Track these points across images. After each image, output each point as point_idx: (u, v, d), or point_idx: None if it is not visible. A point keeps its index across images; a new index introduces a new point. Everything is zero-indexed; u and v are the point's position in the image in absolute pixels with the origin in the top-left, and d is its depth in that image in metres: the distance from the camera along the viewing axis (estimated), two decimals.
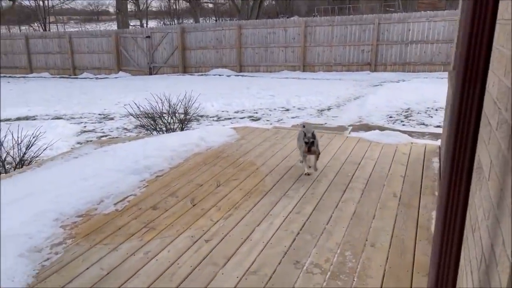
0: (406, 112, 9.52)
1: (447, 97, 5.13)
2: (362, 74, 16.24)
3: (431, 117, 8.91)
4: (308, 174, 4.57)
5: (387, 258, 2.98)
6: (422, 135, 7.12)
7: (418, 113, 9.34)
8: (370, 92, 12.09)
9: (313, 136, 4.44)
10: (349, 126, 8.00)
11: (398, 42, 16.00)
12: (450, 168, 1.50)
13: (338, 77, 16.04)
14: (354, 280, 2.73)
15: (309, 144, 4.39)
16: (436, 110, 9.47)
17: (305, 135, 4.46)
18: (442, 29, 15.25)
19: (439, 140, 5.92)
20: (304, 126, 4.78)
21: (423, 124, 8.37)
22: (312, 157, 4.72)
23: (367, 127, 7.88)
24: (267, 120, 9.56)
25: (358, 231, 3.37)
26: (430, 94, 10.80)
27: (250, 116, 10.18)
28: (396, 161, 5.05)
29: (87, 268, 2.97)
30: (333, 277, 2.77)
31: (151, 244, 3.28)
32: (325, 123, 8.69)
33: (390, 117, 9.11)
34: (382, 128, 7.35)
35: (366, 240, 3.23)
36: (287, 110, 10.76)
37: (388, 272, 2.81)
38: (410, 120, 8.75)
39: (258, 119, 9.82)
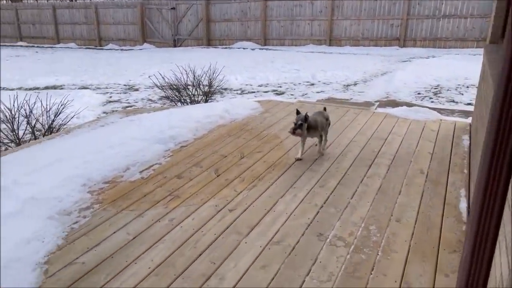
0: (435, 89, 9.25)
1: (480, 73, 4.93)
2: (390, 49, 15.79)
3: (462, 94, 8.63)
4: (299, 160, 4.29)
5: (413, 234, 2.93)
6: (451, 112, 6.91)
7: (448, 90, 9.05)
8: (398, 68, 11.77)
9: (305, 119, 4.14)
10: (375, 102, 7.83)
11: (430, 16, 15.40)
12: (489, 163, 1.38)
13: (365, 52, 15.65)
14: (378, 254, 2.71)
15: (295, 126, 4.11)
16: (467, 87, 9.16)
17: (297, 114, 4.25)
18: (477, 3, 14.58)
19: (470, 118, 5.74)
20: (325, 109, 4.70)
21: (453, 101, 8.12)
22: (316, 140, 4.52)
23: (394, 103, 7.69)
24: (291, 95, 9.46)
25: (383, 206, 3.33)
26: (461, 71, 10.43)
27: (274, 90, 10.08)
28: (424, 137, 4.93)
29: (114, 232, 3.04)
30: (357, 251, 2.76)
31: (175, 212, 3.32)
32: (351, 98, 8.53)
33: (419, 93, 8.86)
34: (410, 105, 7.16)
35: (391, 215, 3.19)
36: (312, 84, 10.60)
37: (413, 248, 2.77)
38: (439, 97, 8.50)
39: (282, 93, 9.72)
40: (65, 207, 3.37)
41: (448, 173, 3.94)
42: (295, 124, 4.12)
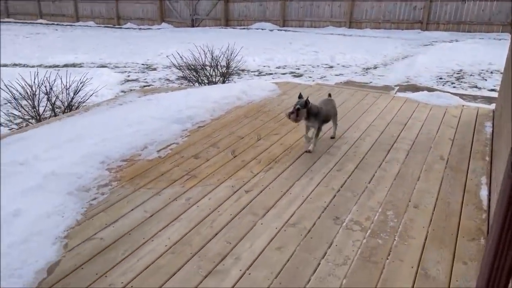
0: (458, 74, 9.02)
1: (506, 59, 4.78)
2: (412, 32, 15.40)
3: (485, 80, 8.40)
4: (308, 152, 4.00)
5: (431, 220, 2.90)
6: (474, 98, 6.75)
7: (471, 75, 8.82)
8: (419, 52, 11.50)
9: (305, 104, 3.83)
10: (395, 86, 7.69)
11: None
12: None
13: (386, 35, 15.31)
14: (395, 240, 2.69)
15: (293, 110, 3.81)
16: (491, 73, 8.90)
17: (299, 98, 3.98)
18: None
19: (493, 104, 5.59)
20: (330, 95, 4.50)
21: (476, 87, 7.92)
22: (311, 132, 4.17)
23: (415, 88, 7.54)
24: (310, 77, 9.34)
25: (401, 192, 3.29)
26: (485, 56, 10.14)
27: (292, 72, 9.98)
28: (445, 123, 4.83)
29: (132, 210, 3.08)
30: (373, 235, 2.74)
31: (192, 191, 3.34)
32: (371, 82, 8.39)
33: (440, 78, 8.66)
34: (431, 90, 7.01)
35: (409, 201, 3.15)
36: (331, 67, 10.45)
37: (431, 234, 2.74)
38: (461, 82, 8.30)
39: (300, 75, 9.61)
40: (84, 184, 3.42)
41: (469, 160, 3.86)
42: (293, 108, 3.85)
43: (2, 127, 6.05)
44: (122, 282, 2.33)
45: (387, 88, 7.13)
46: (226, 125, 4.86)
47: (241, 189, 3.37)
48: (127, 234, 2.79)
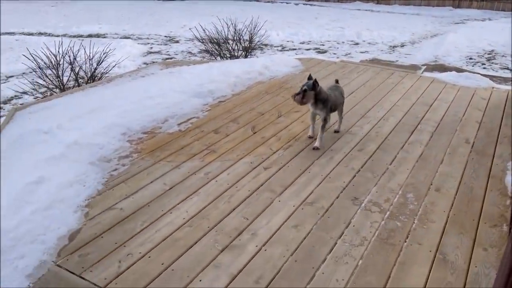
0: (489, 54, 8.68)
1: None
2: (443, 9, 14.84)
3: None
4: (317, 149, 3.61)
5: (452, 205, 2.84)
6: (505, 80, 6.50)
7: (503, 56, 8.48)
8: (450, 30, 11.09)
9: (313, 86, 3.46)
10: (422, 65, 7.46)
11: None
12: None
13: (415, 11, 14.79)
14: (414, 223, 2.65)
15: (300, 92, 3.46)
16: None
17: (308, 79, 3.57)
18: None
19: None
20: (337, 81, 4.07)
21: (507, 69, 7.61)
22: (318, 126, 3.76)
23: (443, 68, 7.31)
24: (334, 54, 9.16)
25: (423, 174, 3.22)
26: None
27: (316, 48, 9.79)
28: (472, 105, 4.67)
29: (151, 182, 3.11)
30: (392, 217, 2.70)
31: (211, 166, 3.35)
32: (397, 61, 8.17)
33: (470, 58, 8.36)
34: (459, 70, 6.77)
35: (431, 184, 3.09)
36: (357, 44, 10.20)
37: (452, 219, 2.69)
38: (492, 63, 7.99)
39: (325, 51, 9.43)
40: (105, 154, 3.47)
41: (496, 144, 3.74)
42: (300, 89, 3.50)
43: (27, 96, 6.16)
44: (140, 252, 2.38)
45: (413, 68, 6.93)
46: (247, 100, 4.82)
47: (260, 165, 3.36)
48: (146, 205, 2.83)
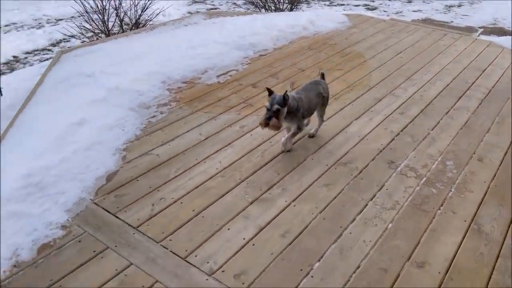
0: None
1: None
2: None
3: None
4: (286, 151, 2.92)
5: (494, 176, 2.71)
6: None
7: None
8: None
9: (283, 101, 2.65)
10: (479, 28, 6.96)
11: None
12: None
13: None
14: (450, 191, 2.56)
15: (269, 114, 2.63)
16: None
17: (269, 96, 2.70)
18: None
19: None
20: (323, 76, 3.17)
21: None
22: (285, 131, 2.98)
23: (502, 31, 6.79)
24: (384, 11, 8.70)
25: (466, 142, 3.08)
26: None
27: (365, 5, 9.32)
28: None
29: (188, 131, 3.15)
30: (428, 184, 2.62)
31: (247, 119, 3.34)
32: (452, 22, 7.66)
33: None
34: None
35: (474, 153, 2.95)
36: (409, 1, 9.62)
37: (492, 190, 2.58)
38: None
39: (374, 8, 8.97)
40: (145, 101, 3.52)
41: None
42: (268, 110, 2.65)
43: (74, 39, 6.29)
44: (172, 198, 2.45)
45: (469, 30, 6.48)
46: (289, 55, 4.71)
47: None
48: (181, 153, 2.88)
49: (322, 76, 3.18)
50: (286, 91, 2.70)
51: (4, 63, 6.21)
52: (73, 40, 6.52)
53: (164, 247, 2.11)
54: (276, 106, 2.62)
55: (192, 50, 4.51)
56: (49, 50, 6.77)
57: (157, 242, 2.13)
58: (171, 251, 2.08)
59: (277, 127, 2.69)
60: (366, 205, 2.43)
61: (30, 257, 2.03)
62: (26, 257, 2.03)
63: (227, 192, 2.52)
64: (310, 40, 5.20)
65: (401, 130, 3.23)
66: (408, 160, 2.86)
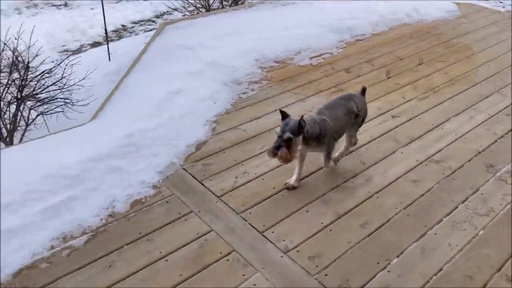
0: None
1: None
2: None
3: None
4: (293, 188, 2.40)
5: None
6: None
7: None
8: None
9: (299, 129, 2.19)
10: None
11: None
12: None
13: None
14: None
15: (278, 144, 2.18)
16: None
17: (282, 119, 2.25)
18: None
19: None
20: (364, 92, 2.64)
21: None
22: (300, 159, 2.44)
23: None
24: (500, 2, 7.90)
25: None
26: None
27: None
28: None
29: (275, 110, 3.15)
30: None
31: None
32: None
33: None
34: None
35: None
36: None
37: None
38: None
39: None
40: (237, 77, 3.61)
41: None
42: (279, 137, 2.20)
43: (177, 12, 6.59)
44: (255, 173, 2.51)
45: None
46: (387, 42, 4.50)
47: (388, 113, 3.18)
48: (267, 131, 2.92)
49: (363, 90, 2.65)
50: (302, 116, 2.21)
51: (113, 31, 6.72)
52: (175, 13, 6.84)
53: (243, 218, 2.18)
54: (287, 134, 2.17)
55: (287, 30, 4.50)
56: (153, 21, 7.18)
57: (237, 213, 2.21)
58: (249, 224, 2.15)
59: (287, 160, 2.19)
60: (456, 207, 2.28)
61: (123, 210, 2.22)
62: (120, 209, 2.22)
63: (308, 176, 2.51)
64: (413, 28, 4.91)
65: (506, 133, 2.95)
66: (510, 166, 2.61)
